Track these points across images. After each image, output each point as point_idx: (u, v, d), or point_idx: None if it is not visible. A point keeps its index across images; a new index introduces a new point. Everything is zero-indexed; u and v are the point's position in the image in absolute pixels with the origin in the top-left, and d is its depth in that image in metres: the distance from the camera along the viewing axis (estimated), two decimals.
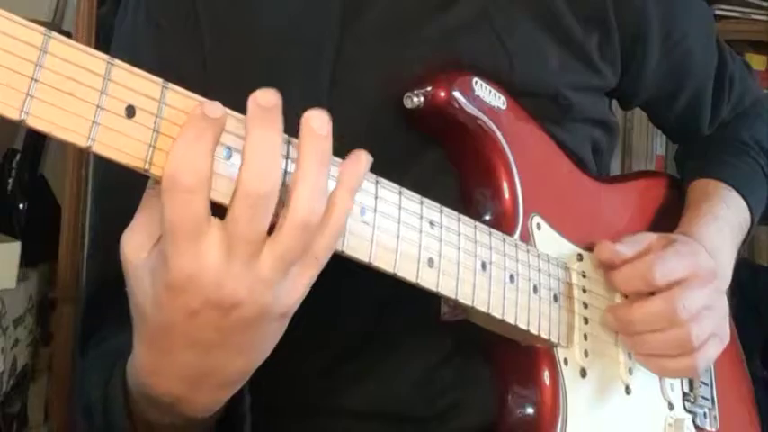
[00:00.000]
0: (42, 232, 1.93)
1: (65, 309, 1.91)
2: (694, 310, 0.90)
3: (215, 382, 0.69)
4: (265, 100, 0.61)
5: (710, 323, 0.93)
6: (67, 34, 1.99)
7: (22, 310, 1.86)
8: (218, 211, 0.62)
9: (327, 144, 0.64)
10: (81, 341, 0.89)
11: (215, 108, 0.60)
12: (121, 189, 0.67)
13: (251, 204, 0.60)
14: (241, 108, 0.64)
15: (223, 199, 0.61)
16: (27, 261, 1.85)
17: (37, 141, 1.95)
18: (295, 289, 0.65)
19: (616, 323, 0.92)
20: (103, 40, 1.80)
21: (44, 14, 2.06)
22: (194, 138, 0.59)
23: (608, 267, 0.93)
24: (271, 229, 0.63)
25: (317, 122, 0.64)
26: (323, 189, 0.63)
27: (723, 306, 0.96)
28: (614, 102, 1.17)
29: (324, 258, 0.65)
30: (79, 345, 0.90)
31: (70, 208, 1.90)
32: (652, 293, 0.91)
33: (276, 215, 0.62)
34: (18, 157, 1.97)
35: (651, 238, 0.95)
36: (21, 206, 1.96)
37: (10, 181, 1.95)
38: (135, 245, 0.63)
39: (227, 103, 0.64)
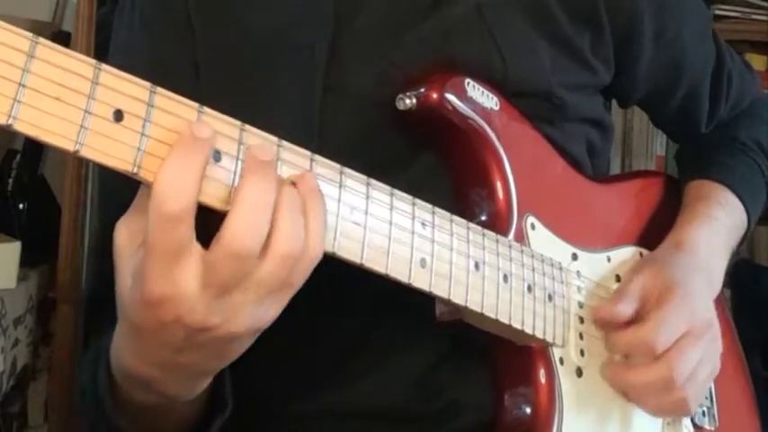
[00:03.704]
0: (42, 232, 1.93)
1: (65, 309, 1.90)
2: (690, 370, 0.91)
3: (188, 373, 0.71)
4: (262, 154, 0.63)
5: (704, 375, 0.94)
6: (67, 34, 2.00)
7: (22, 310, 1.86)
8: (208, 213, 0.62)
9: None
10: (83, 341, 0.91)
11: (203, 128, 0.61)
12: (120, 191, 0.68)
13: (234, 256, 0.62)
14: (232, 110, 0.64)
15: (211, 202, 0.62)
16: (27, 261, 1.84)
17: (37, 142, 1.95)
18: (269, 313, 0.66)
19: (612, 381, 0.92)
20: (103, 41, 1.80)
21: (44, 15, 2.06)
22: (181, 164, 0.60)
23: (608, 327, 0.92)
24: None
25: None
26: (299, 232, 0.64)
27: (716, 351, 0.97)
28: (614, 102, 1.17)
29: (301, 283, 0.66)
30: (82, 344, 0.91)
31: (70, 208, 1.89)
32: None
33: None
34: (18, 157, 1.97)
35: (644, 283, 0.94)
36: (21, 206, 1.96)
37: (10, 181, 1.95)
38: (125, 236, 0.65)
39: (220, 105, 0.65)
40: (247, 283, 0.63)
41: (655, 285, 0.93)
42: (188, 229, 0.61)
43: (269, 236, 0.63)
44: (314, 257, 0.66)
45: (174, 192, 0.59)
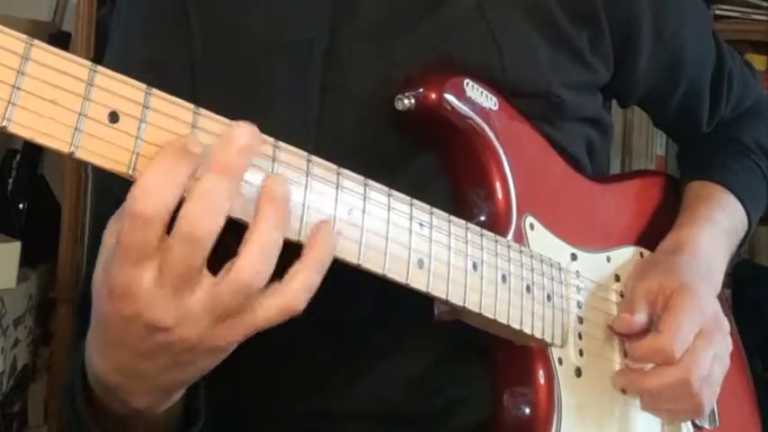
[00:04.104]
0: (42, 232, 1.93)
1: (65, 309, 1.91)
2: (706, 371, 0.91)
3: (148, 384, 0.70)
4: (240, 138, 0.62)
5: (718, 373, 0.94)
6: (67, 34, 2.00)
7: (22, 310, 1.87)
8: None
9: (285, 208, 0.64)
10: (74, 341, 0.90)
11: (195, 144, 0.61)
12: (116, 193, 0.68)
13: (185, 240, 0.61)
14: (230, 111, 0.64)
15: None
16: (27, 261, 1.85)
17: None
18: (226, 337, 0.66)
19: (627, 387, 0.93)
20: (103, 41, 1.80)
21: (44, 15, 2.06)
22: (167, 169, 0.60)
23: (625, 337, 0.93)
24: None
25: (276, 186, 0.64)
26: (272, 253, 0.63)
27: (728, 346, 0.97)
28: (614, 102, 1.17)
29: (264, 325, 0.66)
30: (73, 345, 0.91)
31: (70, 208, 1.90)
32: None
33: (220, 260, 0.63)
34: (18, 157, 1.97)
35: (650, 288, 0.94)
36: (21, 206, 1.97)
37: (10, 181, 1.95)
38: (110, 230, 0.65)
39: (216, 105, 0.65)
40: (205, 287, 0.63)
41: (661, 289, 0.94)
42: (157, 231, 0.61)
43: (238, 254, 0.63)
44: (285, 305, 0.65)
45: (149, 194, 0.60)
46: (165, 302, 0.62)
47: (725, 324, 0.96)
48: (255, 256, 0.62)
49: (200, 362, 0.68)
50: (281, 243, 0.64)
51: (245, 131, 0.62)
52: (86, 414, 0.76)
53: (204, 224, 0.61)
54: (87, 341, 0.72)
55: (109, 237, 0.65)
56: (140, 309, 0.63)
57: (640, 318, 0.92)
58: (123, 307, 0.63)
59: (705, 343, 0.91)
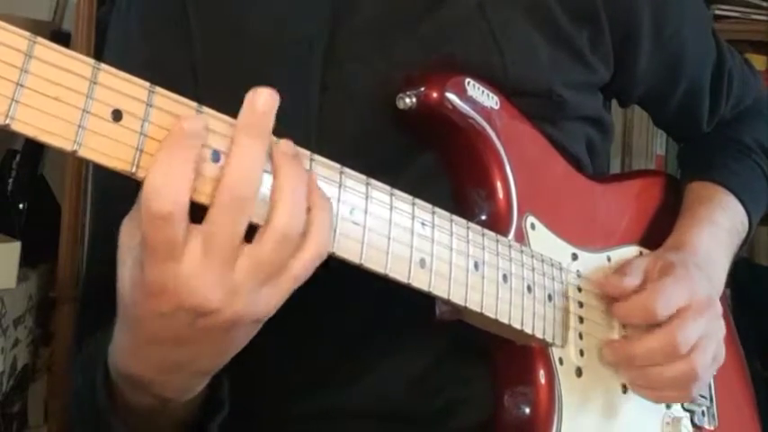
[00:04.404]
0: (42, 232, 1.93)
1: (65, 309, 1.91)
2: (693, 341, 0.90)
3: (186, 372, 0.71)
4: (262, 102, 0.64)
5: (709, 351, 0.93)
6: (67, 34, 2.00)
7: (22, 310, 1.87)
8: (202, 211, 0.62)
9: (300, 164, 0.67)
10: (77, 340, 0.90)
11: (192, 122, 0.61)
12: (117, 192, 0.68)
13: (229, 206, 0.62)
14: (231, 110, 0.64)
15: (207, 201, 0.62)
16: (27, 261, 1.85)
17: (37, 142, 1.95)
18: (269, 300, 0.66)
19: (615, 358, 0.92)
20: (103, 40, 1.80)
21: (44, 14, 2.06)
22: (171, 163, 0.60)
23: (611, 299, 0.93)
24: (251, 237, 0.64)
25: (287, 146, 0.67)
26: (302, 200, 0.65)
27: (720, 330, 0.96)
28: (614, 102, 1.17)
29: (303, 276, 0.66)
30: (75, 344, 0.91)
31: (70, 208, 1.90)
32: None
33: (254, 225, 0.64)
34: (18, 157, 1.97)
35: (646, 262, 0.95)
36: (21, 206, 1.97)
37: (10, 181, 1.95)
38: (126, 232, 0.65)
39: (218, 104, 0.65)
40: (244, 255, 0.64)
41: (656, 266, 0.94)
42: (180, 225, 0.61)
43: (269, 214, 0.64)
44: (317, 251, 0.66)
45: (162, 192, 0.60)
46: (210, 284, 0.63)
47: (718, 307, 0.96)
48: (288, 205, 0.64)
49: (240, 337, 0.69)
50: (306, 193, 0.65)
51: (266, 93, 0.64)
52: (108, 409, 0.77)
53: (245, 186, 0.62)
54: (115, 345, 0.72)
55: (126, 237, 0.65)
56: (182, 299, 0.63)
57: (630, 281, 0.91)
58: (161, 303, 0.63)
59: (694, 314, 0.91)
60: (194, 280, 0.62)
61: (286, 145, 0.66)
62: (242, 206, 0.62)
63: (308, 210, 0.66)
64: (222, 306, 0.64)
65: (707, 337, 0.92)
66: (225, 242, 0.62)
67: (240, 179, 0.62)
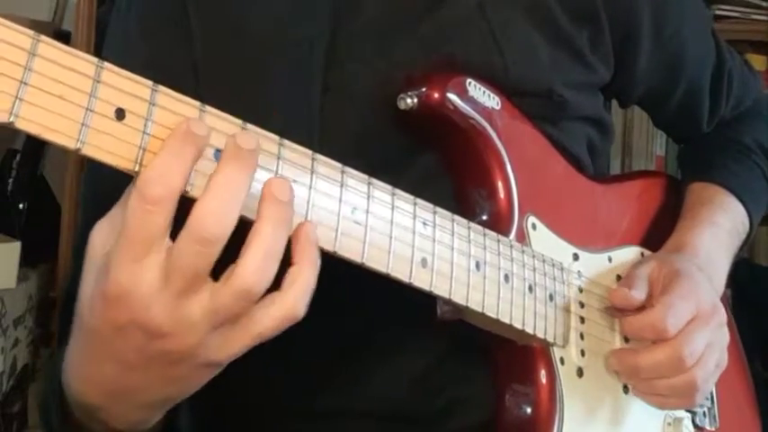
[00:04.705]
0: (42, 232, 1.93)
1: None
2: (699, 353, 0.90)
3: (135, 401, 0.68)
4: (245, 142, 0.60)
5: (713, 361, 0.93)
6: (67, 34, 2.00)
7: (22, 310, 1.87)
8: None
9: (288, 211, 0.63)
10: (57, 345, 0.89)
11: (200, 126, 0.60)
12: (103, 198, 0.67)
13: (197, 241, 0.59)
14: (232, 110, 0.64)
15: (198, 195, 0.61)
16: (27, 261, 1.85)
17: (37, 141, 1.94)
18: (226, 348, 0.64)
19: (621, 368, 0.92)
20: (103, 40, 1.80)
21: (44, 14, 2.07)
22: (174, 153, 0.59)
23: (619, 312, 0.93)
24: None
25: (279, 188, 0.62)
26: (276, 256, 0.61)
27: (724, 337, 0.96)
28: (614, 102, 1.17)
29: (267, 333, 0.63)
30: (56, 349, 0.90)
31: (70, 208, 1.90)
32: None
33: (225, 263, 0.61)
34: (18, 157, 1.97)
35: (652, 269, 0.95)
36: (21, 206, 1.97)
37: (10, 181, 1.95)
38: (99, 238, 0.63)
39: (219, 104, 0.64)
40: (205, 293, 0.61)
41: (660, 274, 0.94)
42: (164, 217, 0.59)
43: (238, 260, 0.61)
44: (290, 312, 0.63)
45: (160, 177, 0.58)
46: (165, 306, 0.60)
47: (723, 315, 0.96)
48: (259, 260, 0.60)
49: (193, 376, 0.66)
50: (284, 246, 0.62)
51: (251, 136, 0.61)
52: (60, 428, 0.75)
53: (218, 222, 0.59)
54: (66, 362, 0.70)
55: (98, 240, 0.63)
56: (137, 313, 0.60)
57: (638, 294, 0.91)
58: (118, 314, 0.61)
59: (700, 325, 0.91)
60: (150, 297, 0.60)
61: (280, 185, 0.62)
62: (209, 244, 0.59)
63: (295, 263, 0.63)
64: (173, 333, 0.61)
65: (711, 346, 0.93)
66: (185, 273, 0.60)
67: (211, 215, 0.59)
